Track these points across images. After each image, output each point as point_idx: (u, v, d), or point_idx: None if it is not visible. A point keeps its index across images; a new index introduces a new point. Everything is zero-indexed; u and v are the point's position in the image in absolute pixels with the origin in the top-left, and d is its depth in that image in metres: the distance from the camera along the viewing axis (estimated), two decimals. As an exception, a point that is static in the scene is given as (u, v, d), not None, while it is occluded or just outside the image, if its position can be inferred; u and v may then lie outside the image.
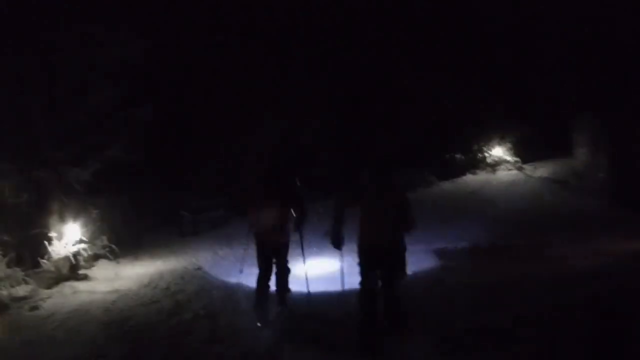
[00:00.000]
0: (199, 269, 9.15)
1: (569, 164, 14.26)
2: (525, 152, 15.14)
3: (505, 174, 14.99)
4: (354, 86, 15.20)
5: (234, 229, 13.04)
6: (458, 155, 15.50)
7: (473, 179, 15.01)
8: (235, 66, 14.33)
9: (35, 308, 7.28)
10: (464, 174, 15.25)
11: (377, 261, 5.25)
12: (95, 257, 10.03)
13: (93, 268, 9.69)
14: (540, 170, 14.71)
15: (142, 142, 11.23)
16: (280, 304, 6.40)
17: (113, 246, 10.16)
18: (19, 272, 8.15)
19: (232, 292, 7.51)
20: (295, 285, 6.72)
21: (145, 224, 13.21)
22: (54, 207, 9.41)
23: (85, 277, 8.97)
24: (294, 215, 6.34)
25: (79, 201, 9.86)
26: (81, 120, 9.81)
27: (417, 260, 8.57)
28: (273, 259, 6.29)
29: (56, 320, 6.61)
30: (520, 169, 15.02)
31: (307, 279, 6.68)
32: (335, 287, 6.42)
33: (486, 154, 15.49)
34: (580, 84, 13.31)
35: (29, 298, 7.71)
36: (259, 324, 5.99)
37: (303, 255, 6.88)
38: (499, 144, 15.44)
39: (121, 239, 11.15)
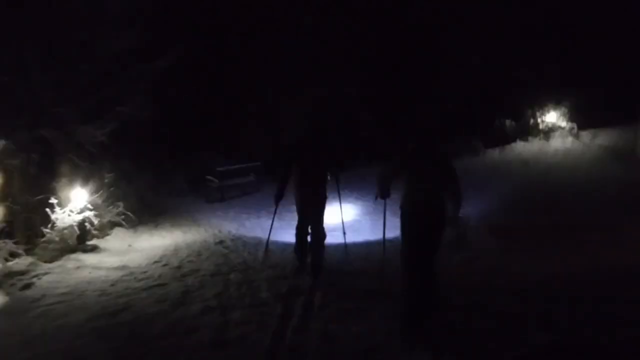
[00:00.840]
0: (220, 242, 7.76)
1: (635, 132, 12.25)
2: (582, 118, 13.15)
3: (559, 142, 13.08)
4: (395, 49, 13.34)
5: (263, 197, 11.70)
6: (508, 121, 13.61)
7: (524, 147, 13.18)
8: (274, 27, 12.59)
9: (27, 287, 5.99)
10: (514, 141, 13.42)
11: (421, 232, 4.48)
12: (111, 225, 8.81)
13: (107, 237, 8.45)
14: (600, 138, 12.73)
15: (165, 97, 9.82)
16: (313, 275, 5.92)
17: (129, 213, 8.90)
18: (13, 244, 6.88)
19: (254, 274, 6.14)
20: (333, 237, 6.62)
21: (170, 189, 11.95)
22: (64, 171, 8.13)
23: (94, 249, 7.68)
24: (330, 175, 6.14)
25: (92, 164, 8.60)
26: (95, 73, 8.41)
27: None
28: (310, 217, 6.05)
29: (44, 305, 5.30)
30: (576, 136, 13.07)
31: (343, 226, 6.67)
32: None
33: (539, 120, 13.56)
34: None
35: (26, 273, 6.43)
36: (298, 263, 6.14)
37: (339, 198, 6.60)
38: (554, 109, 13.47)
39: (142, 205, 9.95)
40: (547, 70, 12.70)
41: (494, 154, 13.06)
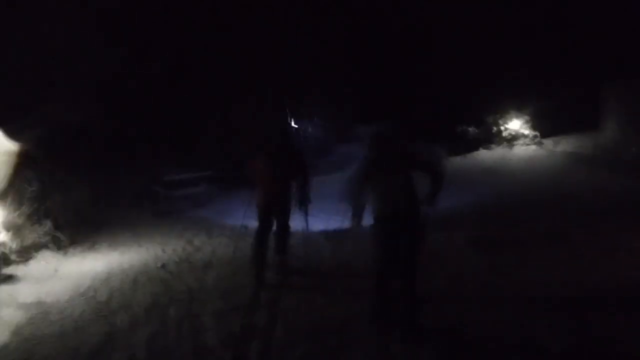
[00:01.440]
0: (162, 266, 6.43)
1: (597, 138, 11.69)
2: (545, 125, 12.51)
3: (523, 150, 12.39)
4: (395, 49, 12.36)
5: (216, 209, 10.38)
6: (471, 129, 12.83)
7: (488, 155, 12.42)
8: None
9: None
10: (477, 148, 12.65)
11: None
12: (36, 248, 7.30)
13: (30, 262, 6.95)
14: (563, 145, 12.11)
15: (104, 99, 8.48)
16: (278, 254, 5.81)
17: (58, 233, 7.43)
18: None
19: (199, 307, 4.88)
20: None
21: (113, 202, 10.41)
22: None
23: (9, 278, 6.19)
24: (298, 182, 5.82)
25: (11, 175, 7.11)
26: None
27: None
28: (274, 219, 5.73)
29: None
30: (539, 144, 12.40)
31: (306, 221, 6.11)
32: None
33: (502, 127, 12.84)
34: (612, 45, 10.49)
35: None
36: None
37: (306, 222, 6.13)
38: (516, 117, 12.79)
39: (77, 221, 8.46)
40: (547, 70, 11.86)
41: (456, 161, 12.23)
